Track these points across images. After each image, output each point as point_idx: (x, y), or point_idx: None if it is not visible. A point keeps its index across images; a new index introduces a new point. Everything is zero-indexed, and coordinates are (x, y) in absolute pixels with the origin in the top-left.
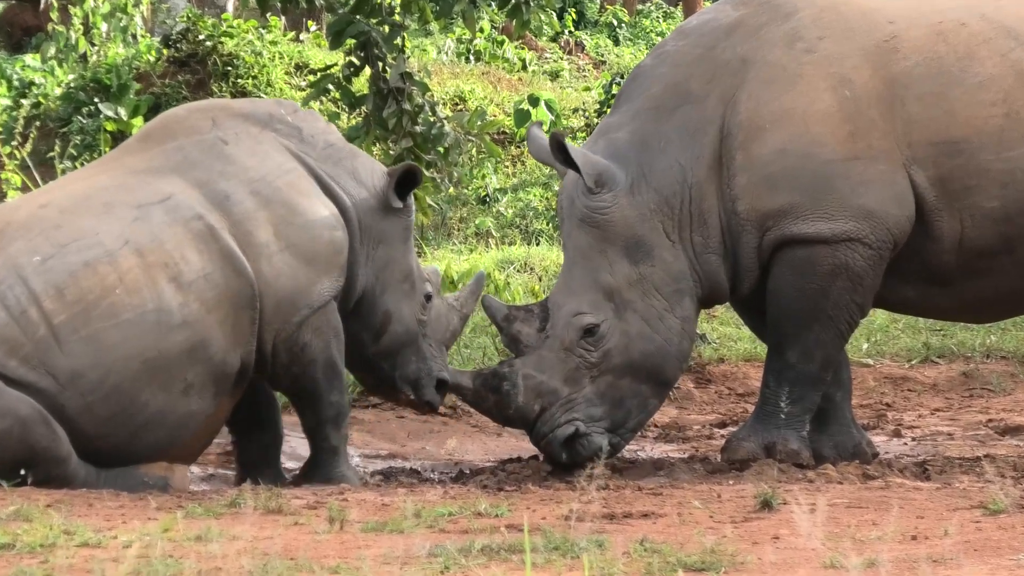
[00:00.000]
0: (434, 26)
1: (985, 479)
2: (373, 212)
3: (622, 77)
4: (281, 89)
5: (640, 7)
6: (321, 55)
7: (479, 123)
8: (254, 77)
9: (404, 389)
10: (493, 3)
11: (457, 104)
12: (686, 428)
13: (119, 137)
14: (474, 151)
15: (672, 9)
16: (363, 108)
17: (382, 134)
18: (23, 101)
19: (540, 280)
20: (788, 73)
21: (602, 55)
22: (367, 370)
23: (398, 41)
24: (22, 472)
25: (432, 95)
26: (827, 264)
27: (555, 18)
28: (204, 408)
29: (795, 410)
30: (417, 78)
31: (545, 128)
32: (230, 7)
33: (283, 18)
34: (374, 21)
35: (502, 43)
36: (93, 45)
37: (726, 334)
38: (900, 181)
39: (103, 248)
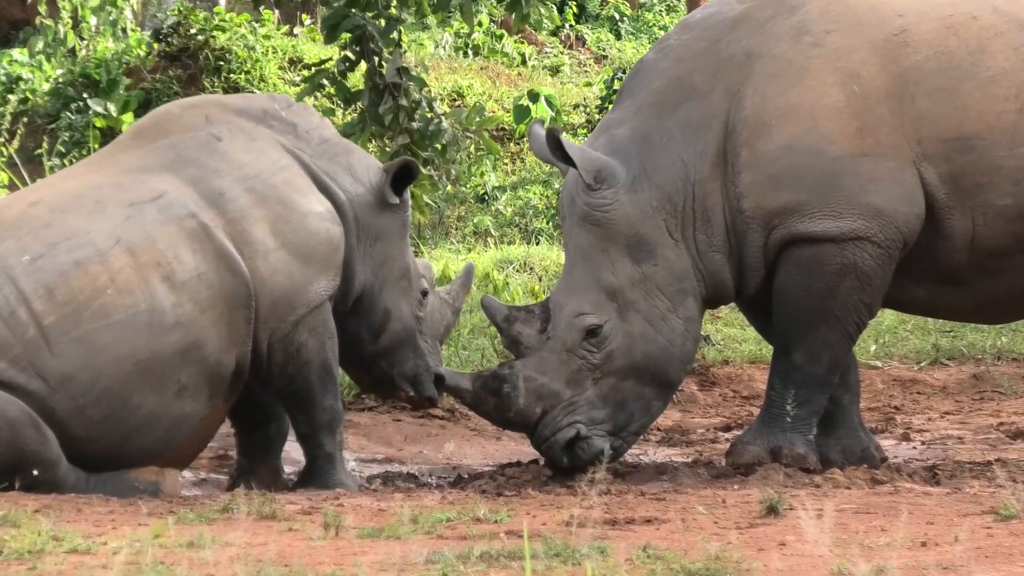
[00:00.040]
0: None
1: (996, 484)
2: (370, 208)
3: (624, 72)
4: (275, 84)
5: (642, 0)
6: (316, 49)
7: (477, 119)
8: (247, 72)
9: (403, 386)
10: None
11: (455, 100)
12: (690, 432)
13: (108, 133)
14: (472, 148)
15: (675, 2)
16: (359, 104)
17: (378, 130)
18: (10, 97)
19: (540, 280)
20: (795, 67)
21: (603, 49)
22: (364, 369)
23: (394, 35)
24: (10, 476)
25: (429, 90)
26: (835, 263)
27: (555, 12)
28: (198, 411)
29: (801, 413)
30: (414, 73)
31: (547, 126)
32: (222, 0)
33: (277, 12)
34: (370, 15)
35: (501, 37)
36: (82, 39)
37: (730, 335)
38: (909, 178)
39: (94, 247)
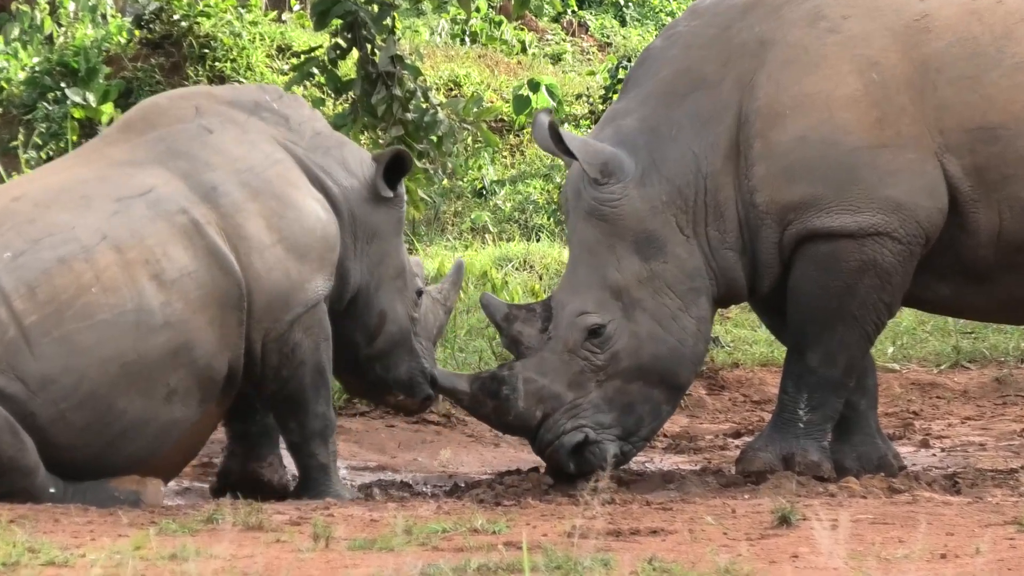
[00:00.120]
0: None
1: (1019, 493)
2: (365, 204)
3: (629, 60)
4: (262, 73)
5: None
6: (305, 36)
7: (475, 110)
8: (233, 60)
9: (396, 391)
10: None
11: (451, 89)
12: (698, 438)
13: (87, 125)
14: (470, 140)
15: None
16: (350, 94)
17: (370, 122)
18: None
19: (540, 279)
20: (810, 55)
21: (607, 37)
22: (358, 374)
23: (388, 21)
24: None
25: (424, 80)
26: (853, 260)
27: None
28: (188, 416)
29: (815, 418)
30: (408, 61)
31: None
32: None
33: None
34: (362, 0)
35: (500, 24)
36: (60, 26)
37: (741, 337)
38: (931, 171)
39: (79, 244)
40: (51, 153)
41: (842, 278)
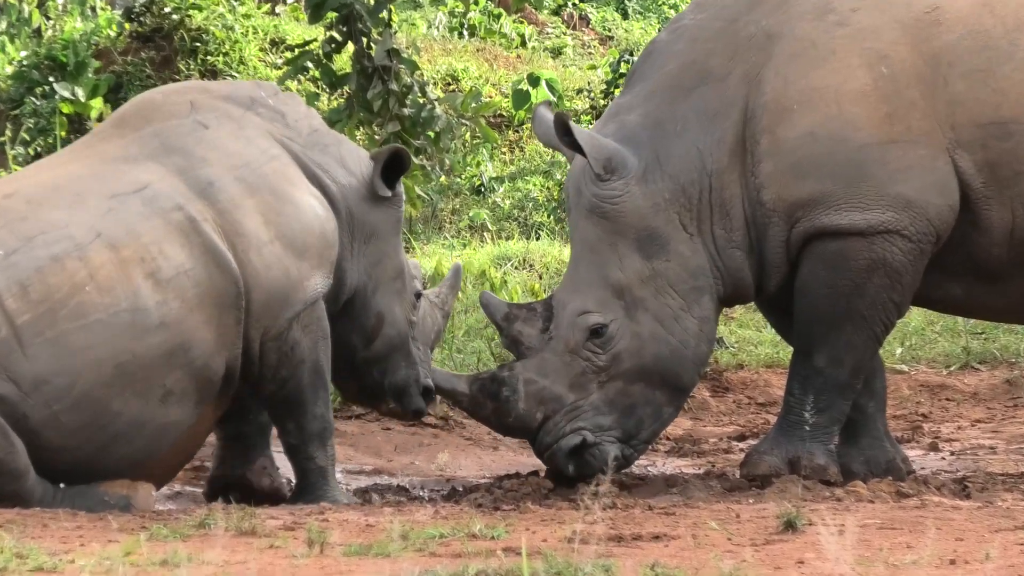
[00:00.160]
0: None
1: None
2: (363, 203)
3: (631, 54)
4: (255, 67)
5: None
6: (299, 30)
7: (473, 105)
8: (225, 54)
9: (390, 397)
10: None
11: (449, 84)
12: (701, 441)
13: (76, 120)
14: (468, 136)
15: None
16: (345, 88)
17: (366, 117)
18: None
19: (540, 278)
20: (818, 48)
21: (609, 30)
22: (354, 378)
23: (384, 14)
24: None
25: (422, 74)
26: (862, 259)
27: None
28: (184, 418)
29: (822, 421)
30: (405, 55)
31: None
32: None
33: None
34: None
35: (499, 17)
36: (48, 19)
37: (745, 337)
38: (942, 167)
39: (72, 242)
40: (39, 149)
41: (851, 277)
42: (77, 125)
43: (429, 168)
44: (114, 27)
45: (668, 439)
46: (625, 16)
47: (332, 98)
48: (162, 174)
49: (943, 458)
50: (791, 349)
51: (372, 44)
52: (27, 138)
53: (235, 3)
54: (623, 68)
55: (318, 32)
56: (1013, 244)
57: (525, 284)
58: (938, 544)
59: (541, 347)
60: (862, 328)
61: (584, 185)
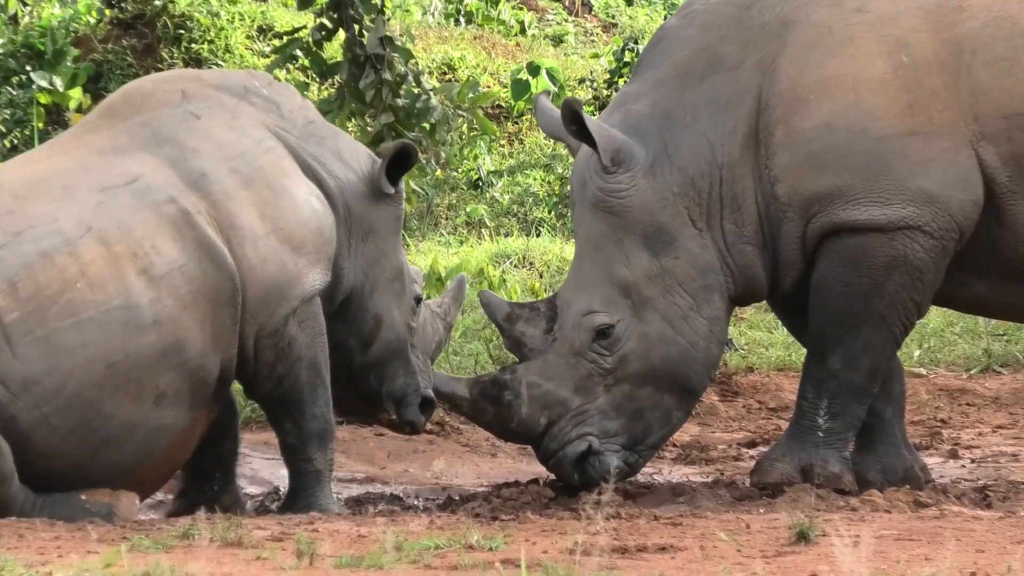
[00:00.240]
0: None
1: None
2: (361, 199)
3: (635, 42)
4: (241, 55)
5: None
6: (288, 16)
7: (470, 95)
8: (210, 42)
9: (387, 407)
10: None
11: (445, 73)
12: (709, 448)
13: (54, 111)
14: (465, 128)
15: None
16: (336, 78)
17: (358, 108)
18: None
19: (541, 276)
20: (836, 35)
21: (613, 17)
22: (351, 383)
23: (377, 0)
24: None
25: (416, 63)
26: (882, 256)
27: None
28: (178, 421)
29: (836, 426)
30: (399, 43)
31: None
32: None
33: None
34: None
35: (497, 3)
36: (25, 5)
37: (756, 339)
38: (965, 160)
39: (62, 236)
40: (15, 141)
41: (869, 275)
42: (55, 116)
43: (424, 162)
44: (94, 13)
45: (675, 446)
46: (629, 2)
47: (322, 88)
48: (153, 165)
49: (963, 466)
50: (804, 351)
51: (364, 31)
52: (3, 130)
53: None
54: (627, 57)
55: (308, 19)
56: None
57: (525, 283)
58: (958, 556)
59: (544, 349)
60: (880, 329)
61: (589, 178)
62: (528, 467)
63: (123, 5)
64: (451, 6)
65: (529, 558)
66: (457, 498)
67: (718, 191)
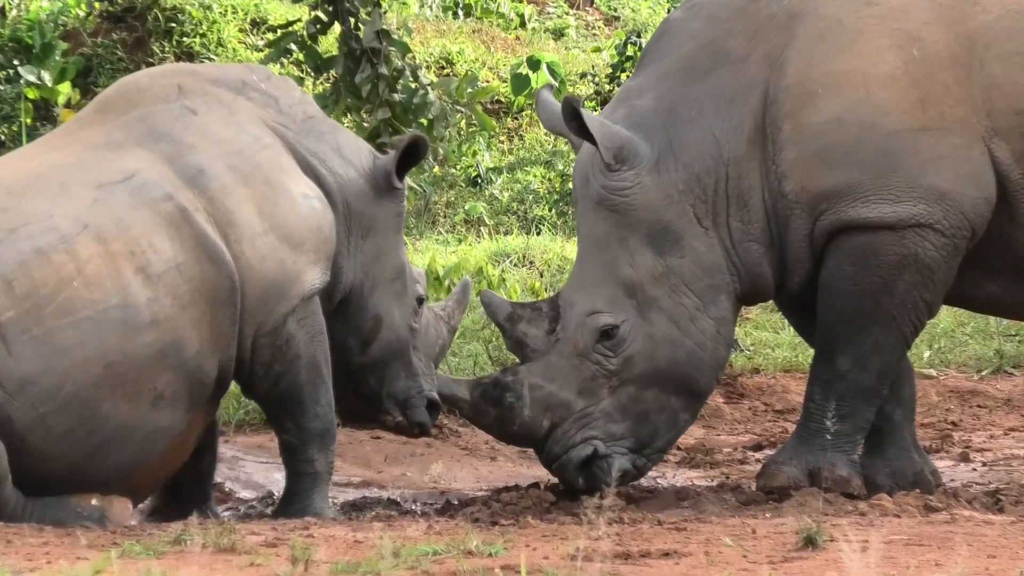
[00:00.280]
0: None
1: None
2: (362, 195)
3: (638, 35)
4: (234, 49)
5: None
6: (282, 9)
7: (469, 90)
8: (202, 35)
9: (391, 409)
10: None
11: (443, 68)
12: (715, 451)
13: (42, 106)
14: (463, 124)
15: None
16: (332, 72)
17: (354, 103)
18: None
19: (541, 276)
20: (845, 29)
21: (615, 10)
22: (351, 385)
23: None
24: None
25: (413, 57)
26: (892, 254)
27: None
28: (175, 423)
29: (845, 429)
30: (396, 37)
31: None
32: None
33: None
34: None
35: None
36: None
37: (762, 339)
38: (978, 156)
39: (58, 234)
40: (3, 137)
41: (879, 274)
42: (43, 111)
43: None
44: (83, 6)
45: (679, 449)
46: None
47: (317, 83)
48: (150, 161)
49: (974, 469)
50: (811, 352)
51: (360, 25)
52: None
53: None
54: (630, 50)
55: (302, 12)
56: None
57: (525, 282)
58: (969, 562)
59: (547, 350)
60: (890, 329)
61: (592, 176)
62: (528, 471)
63: None
64: None
65: (529, 564)
66: (456, 502)
67: (724, 188)
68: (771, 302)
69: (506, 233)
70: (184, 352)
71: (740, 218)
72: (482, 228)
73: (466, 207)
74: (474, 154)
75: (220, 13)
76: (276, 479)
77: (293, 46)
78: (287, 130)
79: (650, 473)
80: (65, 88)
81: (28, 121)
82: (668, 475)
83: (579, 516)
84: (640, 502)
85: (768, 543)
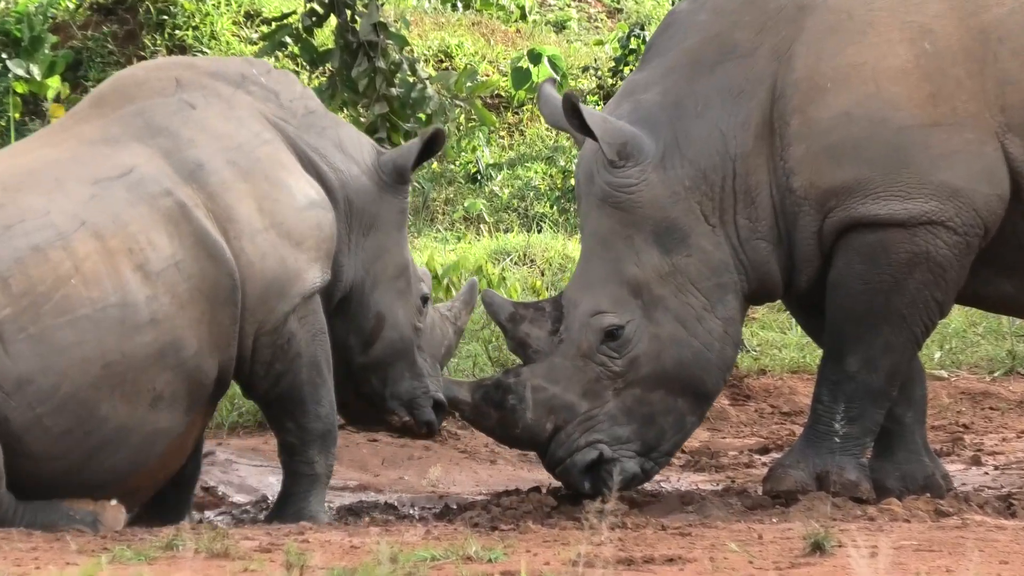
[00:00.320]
0: None
1: None
2: (364, 191)
3: (642, 28)
4: (228, 42)
5: None
6: (276, 1)
7: (468, 84)
8: (195, 28)
9: (396, 409)
10: None
11: (442, 61)
12: (720, 454)
13: (31, 101)
14: (462, 119)
15: None
16: (328, 66)
17: (350, 97)
18: None
19: (542, 274)
20: (855, 21)
21: (618, 1)
22: (352, 386)
23: None
24: None
25: (411, 50)
26: (903, 252)
27: None
28: (174, 425)
29: (853, 431)
30: (393, 30)
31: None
32: None
33: None
34: None
35: None
36: None
37: (768, 340)
38: (991, 152)
39: (55, 230)
40: None
41: (890, 272)
42: (32, 106)
43: None
44: None
45: (684, 452)
46: None
47: (313, 76)
48: (147, 156)
49: (986, 473)
50: (819, 352)
51: (357, 17)
52: None
53: None
54: (633, 44)
55: (297, 4)
56: None
57: (525, 281)
58: (981, 568)
59: (550, 351)
60: (901, 328)
61: (596, 172)
62: (529, 474)
63: None
64: None
65: (530, 570)
66: (455, 507)
67: (731, 184)
68: (778, 301)
69: (506, 231)
70: (183, 352)
71: (747, 215)
72: (482, 225)
73: (465, 204)
74: (474, 150)
75: (213, 5)
76: (270, 483)
77: (288, 39)
78: (287, 125)
79: (654, 477)
80: (54, 82)
81: (16, 116)
82: (672, 479)
83: (581, 521)
84: (643, 506)
85: (775, 549)
